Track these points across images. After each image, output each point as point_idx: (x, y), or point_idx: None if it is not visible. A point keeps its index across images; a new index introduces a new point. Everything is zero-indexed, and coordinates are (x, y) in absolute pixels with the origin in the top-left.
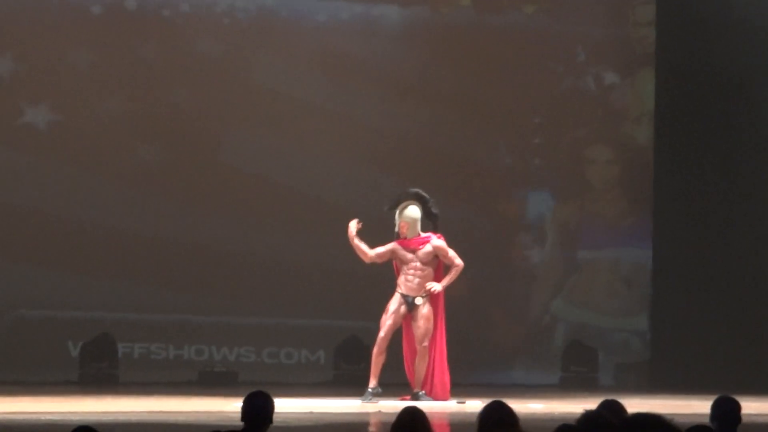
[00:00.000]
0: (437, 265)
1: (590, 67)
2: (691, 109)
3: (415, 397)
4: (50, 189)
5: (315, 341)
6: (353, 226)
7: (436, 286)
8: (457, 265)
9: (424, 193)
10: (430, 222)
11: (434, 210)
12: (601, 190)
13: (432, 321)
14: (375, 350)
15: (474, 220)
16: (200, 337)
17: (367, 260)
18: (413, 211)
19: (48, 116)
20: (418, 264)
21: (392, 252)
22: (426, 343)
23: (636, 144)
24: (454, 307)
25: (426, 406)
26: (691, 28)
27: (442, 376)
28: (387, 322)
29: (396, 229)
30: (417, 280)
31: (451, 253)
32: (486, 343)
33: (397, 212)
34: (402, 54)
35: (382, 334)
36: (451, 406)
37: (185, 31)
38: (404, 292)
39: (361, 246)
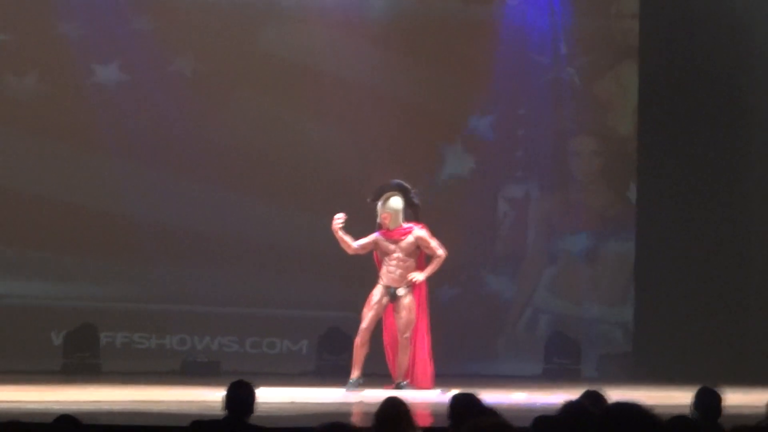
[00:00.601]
0: (419, 256)
1: (573, 59)
2: (675, 101)
3: (398, 387)
4: (31, 172)
5: (298, 331)
6: (338, 219)
7: (418, 276)
8: (439, 256)
9: (405, 184)
10: (411, 212)
11: (416, 200)
12: (585, 181)
13: (414, 312)
14: (357, 341)
15: (456, 210)
16: (183, 327)
17: (350, 252)
18: (396, 202)
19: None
20: (401, 255)
21: (375, 243)
22: (408, 334)
23: (619, 135)
24: (438, 298)
25: (408, 395)
26: (675, 20)
27: (425, 366)
28: (369, 313)
29: (378, 220)
30: (399, 271)
31: (434, 243)
32: (469, 334)
33: (380, 203)
34: (385, 43)
35: (364, 325)
36: (433, 395)
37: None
38: (386, 283)
39: (345, 238)
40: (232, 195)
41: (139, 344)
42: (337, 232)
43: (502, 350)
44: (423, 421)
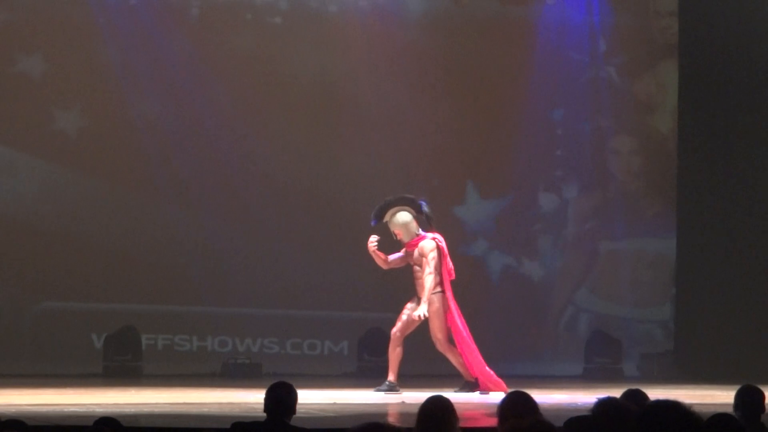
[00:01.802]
0: (442, 266)
1: (612, 58)
2: (715, 99)
3: (388, 388)
4: (77, 190)
5: (338, 332)
6: (372, 242)
7: (422, 311)
8: (426, 274)
9: (407, 195)
10: (426, 221)
11: (425, 208)
12: (625, 180)
13: (440, 317)
14: (390, 345)
15: (497, 211)
16: (224, 329)
17: (385, 267)
18: (401, 217)
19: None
20: (417, 267)
21: (404, 258)
22: (439, 336)
23: (659, 134)
24: (479, 299)
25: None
26: (713, 18)
27: (481, 368)
28: (402, 317)
29: (394, 238)
30: (418, 281)
31: (431, 257)
32: (510, 335)
33: (387, 221)
34: (423, 45)
35: (394, 329)
36: (473, 396)
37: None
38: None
39: (380, 255)
40: (275, 202)
41: (180, 346)
42: (371, 251)
43: (543, 350)
44: (467, 421)
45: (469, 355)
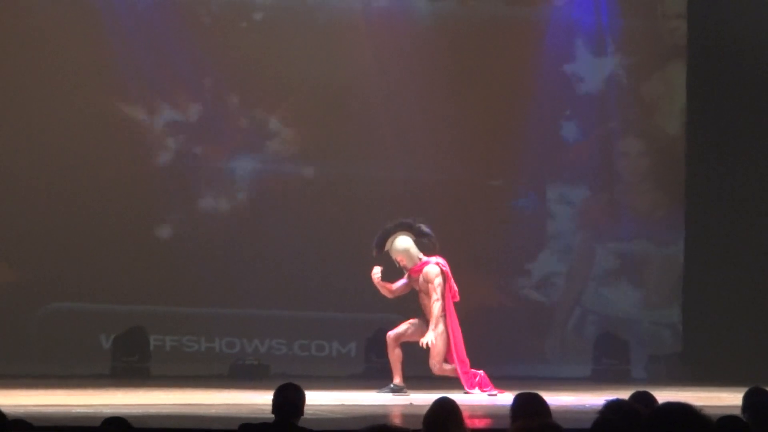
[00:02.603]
0: (446, 289)
1: (621, 59)
2: (723, 101)
3: (390, 390)
4: (88, 182)
5: (346, 334)
6: (376, 274)
7: (430, 338)
8: (434, 301)
9: (405, 220)
10: (428, 243)
11: (425, 230)
12: (633, 182)
13: (441, 341)
14: (388, 349)
15: (504, 213)
16: (232, 330)
17: (391, 297)
18: (401, 242)
19: (77, 121)
20: (422, 293)
21: (408, 284)
22: (435, 360)
23: (667, 136)
24: (486, 301)
25: (458, 398)
26: (722, 20)
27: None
28: (402, 326)
29: (397, 266)
30: (426, 306)
31: (437, 282)
32: (517, 336)
33: (388, 249)
34: (430, 46)
35: (391, 332)
36: (482, 398)
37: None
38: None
39: (385, 286)
40: (281, 204)
41: (188, 347)
42: (375, 282)
43: (550, 352)
44: (474, 423)
45: (461, 371)
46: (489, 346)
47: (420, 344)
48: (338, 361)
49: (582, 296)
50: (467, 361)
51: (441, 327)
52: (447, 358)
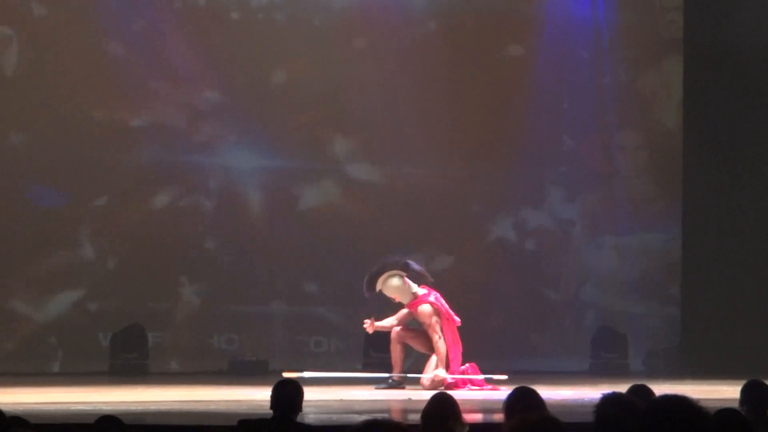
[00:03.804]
0: (442, 324)
1: (617, 53)
2: (720, 94)
3: (387, 385)
4: (85, 177)
5: (345, 330)
6: (366, 326)
7: (441, 374)
8: (435, 342)
9: (391, 259)
10: (419, 279)
11: (413, 267)
12: (630, 175)
13: (439, 378)
14: (391, 344)
15: (503, 207)
16: (230, 327)
17: (399, 328)
18: (391, 283)
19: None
20: (420, 327)
21: (409, 314)
22: (397, 329)
23: (664, 129)
24: (485, 293)
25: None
26: (718, 13)
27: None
28: (410, 332)
29: (393, 302)
30: (431, 342)
31: (434, 321)
32: (516, 331)
33: (381, 290)
34: (428, 39)
35: (397, 328)
36: (480, 393)
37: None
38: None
39: (386, 327)
40: (280, 199)
41: (187, 344)
42: (376, 329)
43: (548, 346)
44: (473, 418)
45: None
46: (487, 340)
47: (434, 379)
48: (337, 356)
49: (580, 290)
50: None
51: (435, 378)
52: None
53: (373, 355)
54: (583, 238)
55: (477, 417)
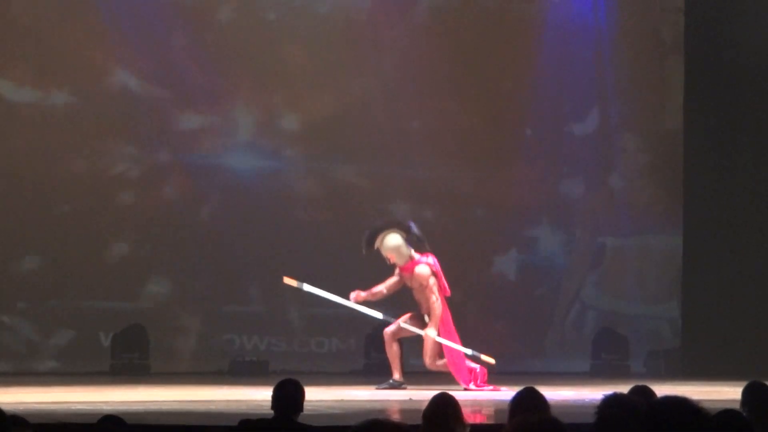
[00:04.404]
0: (426, 293)
1: (618, 54)
2: (721, 96)
3: (389, 386)
4: (83, 177)
5: (346, 330)
6: (353, 296)
7: (431, 333)
8: (432, 302)
9: (393, 219)
10: (417, 242)
11: (414, 229)
12: (631, 177)
13: (435, 343)
14: (385, 346)
15: (503, 208)
16: (231, 327)
17: (384, 296)
18: (391, 240)
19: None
20: (414, 291)
21: (399, 281)
22: (388, 330)
23: (666, 131)
24: (485, 295)
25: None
26: (720, 15)
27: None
28: (398, 322)
29: (388, 263)
30: (421, 305)
31: (431, 282)
32: (516, 331)
33: (378, 247)
34: (429, 41)
35: (387, 329)
36: (480, 393)
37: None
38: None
39: (374, 294)
40: (276, 200)
41: (189, 344)
42: (362, 300)
43: (549, 347)
44: (473, 418)
45: (453, 366)
46: (488, 341)
47: (409, 330)
48: (338, 357)
49: (581, 291)
50: (462, 353)
51: (424, 333)
52: (440, 353)
53: (374, 355)
54: (584, 240)
55: (479, 418)
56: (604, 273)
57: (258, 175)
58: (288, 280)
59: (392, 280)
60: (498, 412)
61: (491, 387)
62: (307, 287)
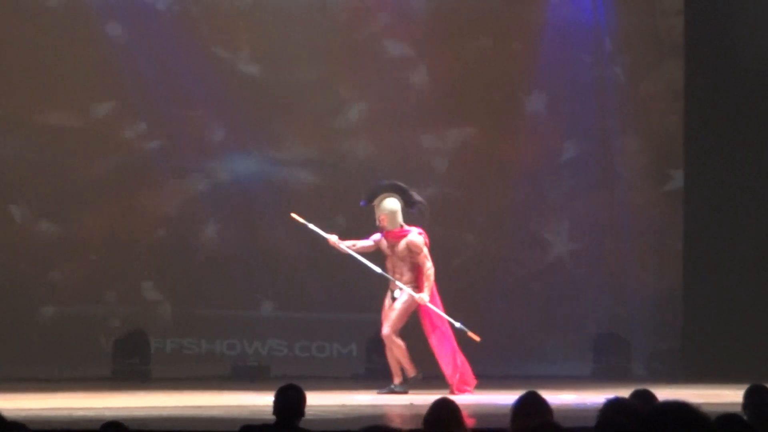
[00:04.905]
0: (420, 260)
1: (618, 57)
2: (721, 98)
3: (390, 391)
4: (87, 184)
5: (347, 334)
6: (335, 239)
7: (424, 297)
8: (427, 268)
9: (400, 184)
10: (416, 212)
11: (416, 198)
12: (631, 179)
13: (403, 312)
14: (386, 350)
15: (503, 209)
16: (232, 332)
17: (351, 251)
18: (391, 203)
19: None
20: (395, 258)
21: (376, 243)
22: (386, 331)
23: (665, 133)
24: (486, 298)
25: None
26: (720, 17)
27: (463, 368)
28: (389, 315)
29: (377, 222)
30: (395, 275)
31: (425, 252)
32: (517, 335)
33: (376, 205)
34: (428, 43)
35: (384, 330)
36: (480, 397)
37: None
38: (390, 286)
39: (357, 246)
40: (280, 204)
41: (189, 350)
42: (340, 248)
43: (550, 350)
44: (474, 422)
45: (441, 350)
46: (489, 344)
47: (417, 299)
48: (339, 361)
49: (582, 294)
50: (454, 351)
51: (415, 300)
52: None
53: (375, 360)
54: (584, 242)
55: (479, 422)
56: (605, 276)
57: (260, 180)
58: (295, 216)
59: (365, 243)
60: (500, 416)
61: (469, 389)
62: (312, 226)
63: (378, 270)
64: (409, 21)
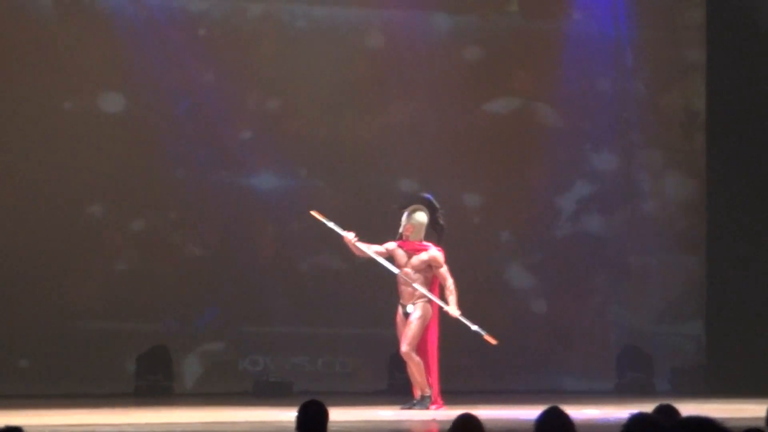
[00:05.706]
0: (432, 278)
1: (640, 72)
2: (744, 113)
3: (412, 406)
4: (109, 199)
5: (369, 350)
6: (352, 236)
7: (454, 311)
8: (449, 285)
9: (435, 202)
10: (435, 233)
11: (441, 221)
12: (654, 194)
13: (419, 327)
14: (407, 366)
15: (526, 224)
16: (255, 348)
17: (357, 255)
18: (422, 217)
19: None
20: (410, 271)
21: (389, 252)
22: (405, 349)
23: (687, 149)
24: (508, 314)
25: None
26: (741, 32)
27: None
28: (405, 332)
29: (400, 230)
30: (408, 288)
31: (445, 268)
32: (540, 350)
33: (406, 214)
34: (449, 60)
35: (402, 347)
36: (502, 412)
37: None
38: (401, 301)
39: (361, 245)
40: (302, 220)
41: (212, 365)
42: (353, 245)
43: (574, 365)
44: None
45: (434, 365)
46: (512, 360)
47: (451, 315)
48: (362, 377)
49: (605, 309)
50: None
51: (430, 312)
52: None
53: (397, 375)
54: (607, 257)
55: None
56: (628, 290)
57: (278, 193)
58: (315, 214)
59: (377, 248)
60: (522, 431)
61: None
62: (331, 224)
63: (396, 270)
64: (428, 36)
